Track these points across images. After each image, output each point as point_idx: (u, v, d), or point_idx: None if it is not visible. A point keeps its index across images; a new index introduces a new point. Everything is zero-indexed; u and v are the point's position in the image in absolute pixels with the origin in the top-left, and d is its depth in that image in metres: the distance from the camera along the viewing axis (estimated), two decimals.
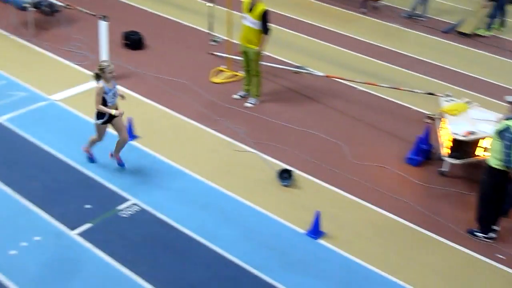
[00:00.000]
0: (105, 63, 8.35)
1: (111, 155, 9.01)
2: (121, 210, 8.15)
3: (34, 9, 12.92)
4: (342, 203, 8.77)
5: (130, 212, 8.13)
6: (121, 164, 9.02)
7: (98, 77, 8.31)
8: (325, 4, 16.47)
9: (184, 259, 7.44)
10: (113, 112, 8.37)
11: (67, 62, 11.96)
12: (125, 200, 8.35)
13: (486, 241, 8.22)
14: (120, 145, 8.88)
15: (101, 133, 8.76)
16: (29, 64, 11.84)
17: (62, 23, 13.34)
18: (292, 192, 8.88)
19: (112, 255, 7.38)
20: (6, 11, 13.30)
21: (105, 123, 8.56)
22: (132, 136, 9.69)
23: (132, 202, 8.31)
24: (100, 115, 8.48)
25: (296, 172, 9.24)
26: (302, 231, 8.08)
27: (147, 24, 13.96)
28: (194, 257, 7.49)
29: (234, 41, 11.58)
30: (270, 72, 12.11)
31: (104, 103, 8.34)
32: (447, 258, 7.91)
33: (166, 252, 7.53)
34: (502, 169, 7.75)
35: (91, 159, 9.07)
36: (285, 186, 8.94)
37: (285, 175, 9.03)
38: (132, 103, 10.78)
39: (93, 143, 8.94)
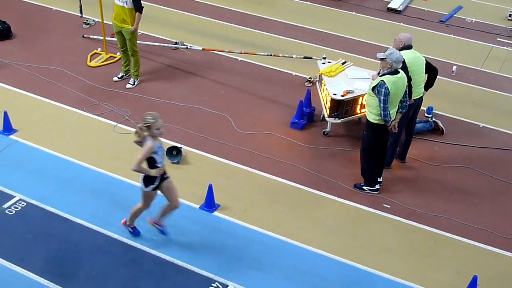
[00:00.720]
0: (150, 118, 6.78)
1: (125, 222, 7.51)
2: (7, 208, 7.83)
3: None
4: (233, 173, 8.88)
5: (16, 209, 7.82)
6: (163, 232, 7.50)
7: (141, 135, 6.85)
8: None
9: (79, 249, 7.28)
10: (152, 172, 6.88)
11: None
12: (10, 197, 8.01)
13: (372, 193, 8.61)
14: (167, 210, 7.35)
15: (149, 201, 7.24)
16: None
17: None
18: (182, 168, 8.87)
19: (1, 255, 7.10)
20: None
21: (155, 188, 7.16)
22: (10, 130, 9.29)
23: (18, 198, 7.99)
24: (148, 180, 7.03)
25: (185, 148, 9.23)
26: (196, 206, 8.11)
27: (14, 12, 13.31)
28: (90, 245, 7.35)
29: (108, 22, 11.30)
30: (148, 50, 11.94)
31: (153, 164, 6.99)
32: (339, 214, 8.23)
33: (60, 244, 7.33)
34: (380, 123, 8.11)
35: (135, 232, 7.55)
36: (175, 163, 8.91)
37: (173, 153, 9.00)
38: (5, 96, 10.32)
39: (138, 213, 7.41)
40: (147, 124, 6.74)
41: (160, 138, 6.95)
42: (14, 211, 7.79)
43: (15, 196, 8.03)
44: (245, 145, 9.47)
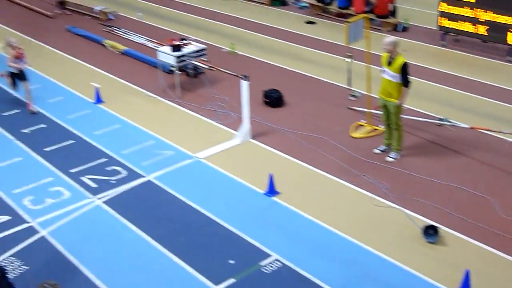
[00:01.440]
0: None
1: None
2: (264, 266, 8.18)
3: (180, 72, 13.65)
4: (494, 261, 8.23)
5: (272, 268, 8.14)
6: None
7: None
8: (461, 53, 15.95)
9: None
10: None
11: (210, 121, 12.43)
12: (267, 255, 8.38)
13: None
14: None
15: None
16: (175, 124, 12.45)
17: (206, 84, 13.95)
18: (438, 249, 8.48)
19: None
20: (155, 75, 14.15)
21: None
22: (273, 192, 9.80)
23: (274, 257, 8.32)
24: None
25: (442, 228, 8.84)
26: None
27: (287, 81, 14.24)
28: None
29: (374, 95, 11.49)
30: (411, 125, 11.84)
31: None
32: None
33: None
34: None
35: None
36: (431, 243, 8.56)
37: (430, 232, 8.66)
38: (272, 159, 10.96)
39: None
40: None
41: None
42: (269, 270, 8.11)
43: (271, 255, 8.37)
44: (510, 232, 8.77)
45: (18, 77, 12.95)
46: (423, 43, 16.64)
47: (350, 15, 17.52)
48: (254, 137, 11.68)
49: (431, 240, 8.59)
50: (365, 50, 11.49)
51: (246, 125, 11.56)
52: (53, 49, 16.92)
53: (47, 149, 11.49)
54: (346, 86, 13.44)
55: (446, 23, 15.98)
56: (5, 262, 8.34)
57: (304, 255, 8.37)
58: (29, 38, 17.84)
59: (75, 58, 16.13)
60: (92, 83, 14.04)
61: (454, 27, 15.85)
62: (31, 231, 9.15)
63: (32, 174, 10.67)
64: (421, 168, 10.49)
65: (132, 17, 19.52)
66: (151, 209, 9.63)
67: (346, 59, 13.10)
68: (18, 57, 12.78)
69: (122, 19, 19.37)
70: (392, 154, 10.85)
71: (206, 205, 9.60)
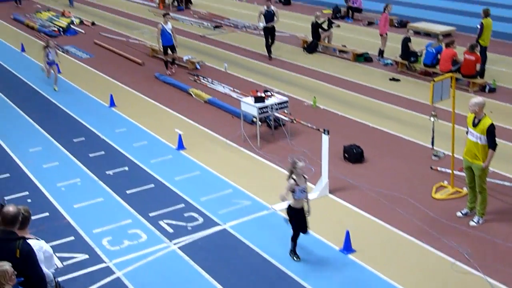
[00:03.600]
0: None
1: None
2: None
3: (262, 123, 13.78)
4: None
5: None
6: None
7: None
8: None
9: None
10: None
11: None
12: None
13: None
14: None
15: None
16: (253, 174, 12.50)
17: (286, 136, 14.00)
18: None
19: None
20: (237, 124, 14.34)
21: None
22: (349, 250, 9.61)
23: None
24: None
25: None
26: None
27: (368, 137, 14.10)
28: None
29: (458, 156, 11.18)
30: (497, 189, 11.41)
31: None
32: None
33: None
34: None
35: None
36: None
37: None
38: (349, 216, 10.79)
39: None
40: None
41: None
42: None
43: None
44: None
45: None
46: (511, 105, 16.17)
47: (435, 73, 17.34)
48: (332, 192, 11.56)
49: None
50: (451, 109, 11.26)
51: (324, 179, 11.47)
52: (141, 95, 17.49)
53: (129, 191, 11.76)
54: (429, 146, 13.15)
55: None
56: None
57: None
58: (119, 83, 18.56)
59: (161, 104, 16.60)
60: (176, 130, 14.38)
61: None
62: (108, 271, 9.32)
63: (112, 215, 10.93)
64: (506, 235, 10.04)
65: (218, 67, 19.99)
66: (226, 258, 9.62)
67: (431, 118, 12.86)
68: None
69: (208, 69, 19.87)
70: (476, 218, 10.45)
71: (281, 258, 9.51)
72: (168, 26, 18.75)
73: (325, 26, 21.86)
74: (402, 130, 14.55)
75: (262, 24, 20.62)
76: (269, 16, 20.41)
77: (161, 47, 18.91)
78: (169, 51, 19.00)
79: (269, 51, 20.86)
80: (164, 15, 19.22)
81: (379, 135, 14.39)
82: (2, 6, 31.98)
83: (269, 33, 20.62)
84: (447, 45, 17.49)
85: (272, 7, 20.64)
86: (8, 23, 28.16)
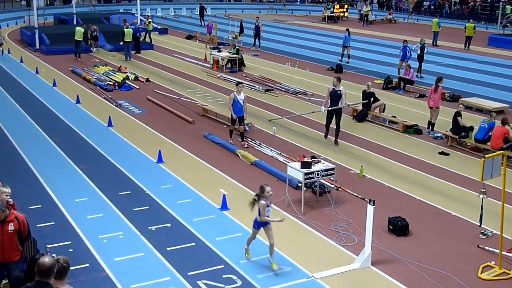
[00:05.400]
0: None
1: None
2: None
3: (307, 188, 13.70)
4: None
5: None
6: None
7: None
8: None
9: None
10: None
11: (331, 242, 12.24)
12: None
13: None
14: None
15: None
16: (296, 240, 12.37)
17: (331, 203, 13.87)
18: None
19: None
20: (281, 188, 14.30)
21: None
22: None
23: None
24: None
25: None
26: None
27: (414, 210, 13.84)
28: None
29: (507, 236, 10.85)
30: None
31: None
32: None
33: None
34: None
35: None
36: None
37: None
38: None
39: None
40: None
41: None
42: None
43: None
44: None
45: None
46: None
47: (486, 150, 17.06)
48: (374, 263, 11.32)
49: None
50: (501, 187, 11.01)
51: (367, 250, 11.26)
52: (188, 152, 17.68)
53: (169, 248, 11.76)
54: (477, 223, 12.83)
55: None
56: None
57: None
58: (168, 140, 18.85)
59: (208, 163, 16.72)
60: (221, 190, 14.42)
61: None
62: None
63: (151, 271, 10.91)
64: None
65: (266, 130, 20.11)
66: None
67: (480, 195, 12.59)
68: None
69: (257, 131, 20.01)
70: None
71: None
72: (241, 97, 17.95)
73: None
74: (450, 205, 14.25)
75: (324, 108, 18.80)
76: (334, 97, 18.40)
77: (233, 114, 17.99)
78: (237, 122, 18.16)
79: (327, 130, 19.22)
80: (237, 84, 18.62)
81: (426, 209, 14.12)
82: (62, 58, 33.13)
83: (331, 115, 18.65)
84: (503, 123, 17.25)
85: (341, 87, 18.47)
86: (66, 74, 29.10)
